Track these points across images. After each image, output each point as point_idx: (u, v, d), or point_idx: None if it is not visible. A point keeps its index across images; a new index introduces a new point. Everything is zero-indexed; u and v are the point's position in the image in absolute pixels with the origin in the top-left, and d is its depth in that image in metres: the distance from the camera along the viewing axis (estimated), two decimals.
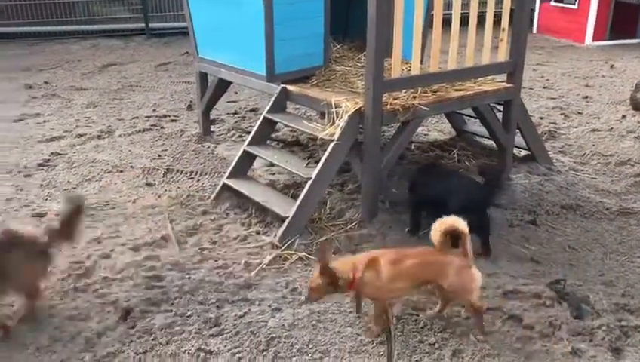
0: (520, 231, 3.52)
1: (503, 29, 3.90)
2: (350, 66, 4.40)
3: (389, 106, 3.50)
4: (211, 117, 5.32)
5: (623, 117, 5.54)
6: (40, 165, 4.44)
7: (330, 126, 3.54)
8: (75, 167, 4.43)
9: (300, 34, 3.98)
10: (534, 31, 10.15)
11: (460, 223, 2.45)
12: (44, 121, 5.52)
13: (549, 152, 4.63)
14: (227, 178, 3.85)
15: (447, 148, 4.80)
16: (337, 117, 3.52)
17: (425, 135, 5.14)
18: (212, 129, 5.26)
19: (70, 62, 8.22)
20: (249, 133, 4.95)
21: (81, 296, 2.81)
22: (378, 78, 3.34)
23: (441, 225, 2.47)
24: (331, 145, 3.42)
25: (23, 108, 5.94)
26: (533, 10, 10.14)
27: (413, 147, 4.80)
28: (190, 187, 4.09)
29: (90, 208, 3.72)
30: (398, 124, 3.69)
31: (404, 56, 3.65)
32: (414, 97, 3.69)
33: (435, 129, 5.31)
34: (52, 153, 4.67)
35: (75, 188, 4.06)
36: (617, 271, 3.11)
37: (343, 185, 4.03)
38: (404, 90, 3.69)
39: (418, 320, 2.67)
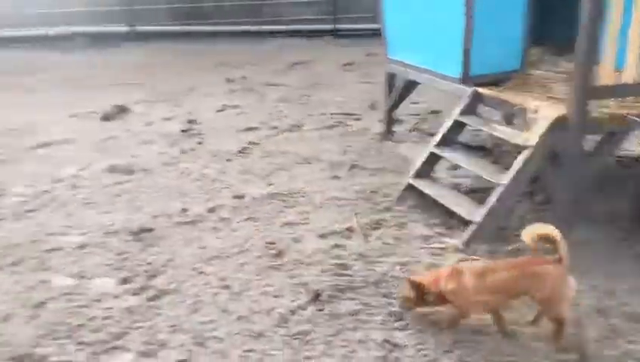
0: None
1: None
2: (550, 71, 4.19)
3: (595, 115, 3.28)
4: (394, 117, 5.40)
5: None
6: (239, 152, 4.86)
7: (527, 132, 3.41)
8: (268, 156, 4.78)
9: (498, 35, 3.89)
10: None
11: (554, 230, 2.40)
12: (242, 113, 6.03)
13: None
14: (412, 177, 3.89)
15: None
16: (534, 122, 3.38)
17: (630, 150, 4.71)
18: (394, 129, 5.34)
19: (264, 59, 8.86)
20: (429, 134, 4.97)
21: (275, 275, 3.03)
22: (586, 84, 3.14)
23: (536, 229, 2.44)
24: (527, 151, 3.29)
25: (224, 99, 6.54)
26: None
27: (615, 161, 4.43)
28: (374, 183, 4.20)
29: (282, 194, 4.00)
30: (601, 136, 3.44)
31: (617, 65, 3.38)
32: (623, 107, 3.42)
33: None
34: (249, 142, 5.09)
35: (268, 175, 4.38)
36: None
37: (531, 194, 3.86)
38: (612, 99, 3.43)
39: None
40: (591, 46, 3.07)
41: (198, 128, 5.52)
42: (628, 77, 3.37)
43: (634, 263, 3.13)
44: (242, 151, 4.87)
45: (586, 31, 3.04)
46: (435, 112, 5.94)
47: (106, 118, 5.84)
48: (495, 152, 4.60)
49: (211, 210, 3.79)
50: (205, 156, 4.79)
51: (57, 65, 8.59)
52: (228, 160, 4.69)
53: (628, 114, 3.33)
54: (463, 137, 4.94)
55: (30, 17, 9.95)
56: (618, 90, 3.37)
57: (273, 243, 3.33)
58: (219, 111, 6.12)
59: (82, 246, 3.32)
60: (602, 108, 3.37)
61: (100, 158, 4.72)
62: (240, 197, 3.98)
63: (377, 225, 3.58)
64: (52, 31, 10.01)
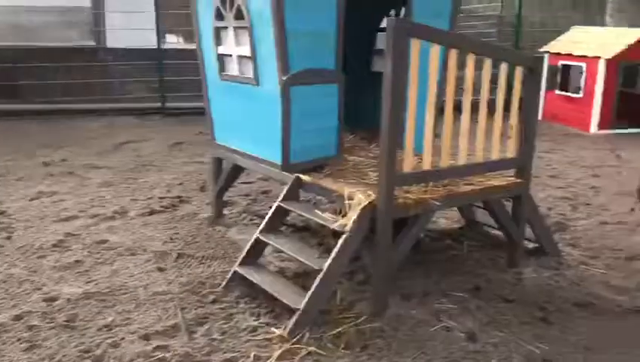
0: (531, 328, 3.49)
1: (512, 127, 4.02)
2: (362, 157, 4.51)
3: (400, 200, 3.57)
4: (224, 199, 5.41)
5: (632, 210, 5.58)
6: (54, 246, 4.49)
7: (343, 217, 3.60)
8: (88, 249, 4.48)
9: (315, 126, 4.12)
10: (540, 118, 10.38)
11: None
12: (60, 200, 5.63)
13: (559, 245, 4.65)
14: (238, 265, 3.88)
15: (457, 237, 4.84)
16: (349, 209, 3.59)
17: (433, 222, 5.18)
18: (224, 212, 5.33)
19: (88, 139, 8.45)
20: (261, 216, 5.05)
21: None
22: (391, 173, 3.43)
23: None
24: (343, 237, 3.47)
25: (40, 186, 6.07)
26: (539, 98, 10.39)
27: (424, 236, 4.83)
28: (201, 273, 4.11)
29: (101, 293, 3.75)
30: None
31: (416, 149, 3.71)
32: (425, 191, 3.77)
33: (443, 216, 5.35)
34: (66, 234, 4.74)
35: (87, 271, 4.09)
36: None
37: (352, 273, 4.05)
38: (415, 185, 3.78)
39: None
40: (392, 134, 3.36)
41: (7, 221, 5.02)
42: (426, 163, 3.74)
43: (445, 337, 3.38)
44: (58, 245, 4.51)
45: (388, 118, 3.34)
46: (266, 193, 6.06)
47: None
48: (321, 233, 4.79)
49: (17, 318, 3.42)
50: (14, 253, 4.36)
51: None
52: (40, 256, 4.31)
53: (431, 198, 3.68)
54: (292, 218, 5.11)
55: None
56: (419, 177, 3.71)
57: (88, 352, 3.08)
58: (33, 199, 5.65)
59: None
60: (407, 194, 3.68)
61: None
62: (53, 299, 3.65)
63: (204, 319, 3.49)
64: None
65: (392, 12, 5.29)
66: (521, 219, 4.15)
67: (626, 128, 9.46)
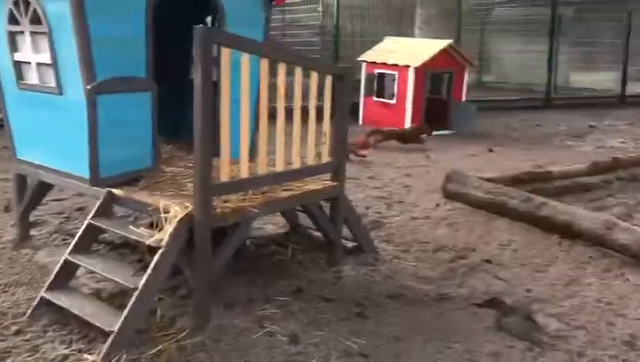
0: (349, 324, 3.67)
1: (325, 133, 4.20)
2: (181, 167, 4.40)
3: (218, 210, 3.54)
4: (32, 218, 4.94)
5: (437, 205, 6.13)
6: None
7: (159, 231, 3.47)
8: None
9: (126, 137, 3.93)
10: (360, 123, 11.02)
11: None
12: None
13: (375, 241, 4.95)
14: (45, 290, 3.57)
15: (282, 242, 4.93)
16: (166, 222, 3.47)
17: (259, 228, 5.22)
18: (32, 233, 4.88)
19: None
20: (74, 235, 4.68)
21: None
22: (206, 183, 3.39)
23: None
24: (159, 252, 3.34)
25: None
26: (358, 104, 11.05)
27: (249, 243, 4.85)
28: (2, 302, 3.71)
29: None
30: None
31: (233, 155, 3.69)
32: (244, 199, 3.78)
33: (270, 222, 5.42)
34: None
35: None
36: (436, 358, 3.34)
37: (175, 288, 3.93)
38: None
39: None
40: (205, 143, 3.32)
41: None
42: (244, 171, 3.75)
43: (268, 342, 3.41)
44: None
45: (200, 128, 3.29)
46: (81, 209, 5.64)
47: None
48: (141, 248, 4.58)
49: None
50: None
51: None
52: None
53: (249, 206, 3.69)
54: (110, 234, 4.81)
55: None
56: (237, 185, 3.71)
57: None
58: None
59: None
60: (226, 203, 3.66)
61: None
62: None
63: (5, 354, 3.15)
64: None
65: (209, 20, 5.24)
66: (338, 220, 4.35)
67: (435, 131, 10.38)
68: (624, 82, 14.60)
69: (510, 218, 5.47)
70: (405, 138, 9.29)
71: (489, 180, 6.14)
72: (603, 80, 16.28)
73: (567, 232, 4.98)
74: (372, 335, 3.56)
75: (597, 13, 15.68)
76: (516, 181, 6.42)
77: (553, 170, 6.88)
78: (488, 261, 4.71)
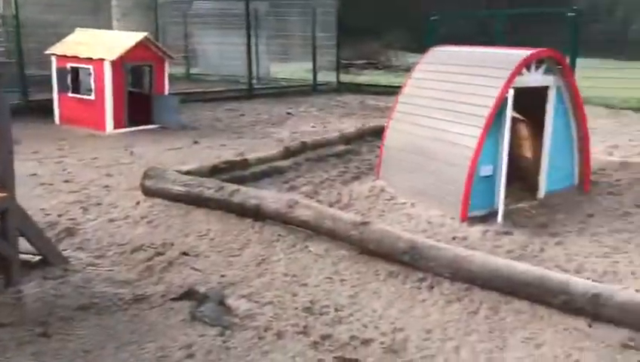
0: (31, 347, 3.34)
1: None
2: None
3: None
4: None
5: (138, 203, 5.97)
6: None
7: None
8: None
9: None
10: (57, 122, 10.15)
11: None
12: None
13: (68, 251, 4.60)
14: None
15: None
16: None
17: None
18: None
19: None
20: None
21: None
22: None
23: None
24: None
25: None
26: (52, 101, 10.15)
27: None
28: None
29: None
30: None
31: None
32: None
33: None
34: None
35: None
36: None
37: None
38: None
39: None
40: None
41: None
42: None
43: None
44: None
45: None
46: None
47: None
48: None
49: None
50: None
51: None
52: None
53: None
54: None
55: None
56: None
57: None
58: None
59: None
60: None
61: None
62: None
63: None
64: None
65: None
66: (10, 234, 3.90)
67: (139, 126, 10.10)
68: (315, 72, 16.14)
69: (208, 208, 5.61)
70: None
71: (187, 173, 6.21)
72: (299, 70, 17.83)
73: (259, 215, 5.32)
74: (58, 353, 3.31)
75: (288, 7, 17.03)
76: (216, 171, 6.64)
77: (249, 158, 7.28)
78: (186, 253, 4.77)
